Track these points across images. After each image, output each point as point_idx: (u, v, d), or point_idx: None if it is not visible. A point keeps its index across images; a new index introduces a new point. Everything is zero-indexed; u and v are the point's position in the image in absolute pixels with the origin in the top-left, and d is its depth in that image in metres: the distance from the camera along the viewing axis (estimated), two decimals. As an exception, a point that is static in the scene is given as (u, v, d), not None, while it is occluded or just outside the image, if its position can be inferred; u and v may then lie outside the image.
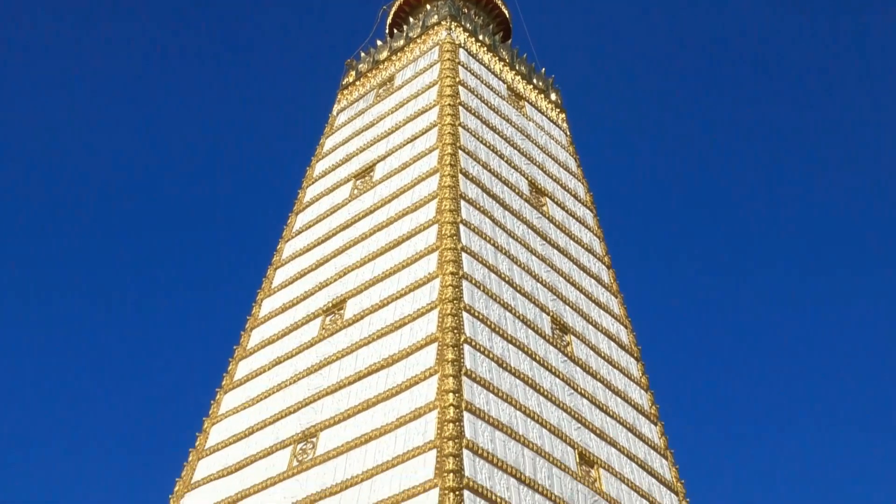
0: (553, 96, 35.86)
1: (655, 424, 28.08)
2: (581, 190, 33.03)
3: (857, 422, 63.65)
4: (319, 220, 30.93)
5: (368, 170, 31.09)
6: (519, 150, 31.55)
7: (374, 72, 35.55)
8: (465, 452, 21.55)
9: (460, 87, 31.60)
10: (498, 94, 33.21)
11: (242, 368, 28.34)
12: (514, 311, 25.99)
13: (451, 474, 20.86)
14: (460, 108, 30.74)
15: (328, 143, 34.14)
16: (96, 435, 62.29)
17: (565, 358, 26.56)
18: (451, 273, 25.16)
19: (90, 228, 67.92)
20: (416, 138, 30.45)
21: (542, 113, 34.73)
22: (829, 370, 64.99)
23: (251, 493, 24.49)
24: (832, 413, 63.97)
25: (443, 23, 34.49)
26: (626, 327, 29.95)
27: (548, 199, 31.00)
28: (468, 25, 34.81)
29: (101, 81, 72.12)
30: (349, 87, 35.98)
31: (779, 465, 62.31)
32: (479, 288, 25.51)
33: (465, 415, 22.31)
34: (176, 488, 26.33)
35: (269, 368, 27.42)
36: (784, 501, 60.64)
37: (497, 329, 25.01)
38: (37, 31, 70.69)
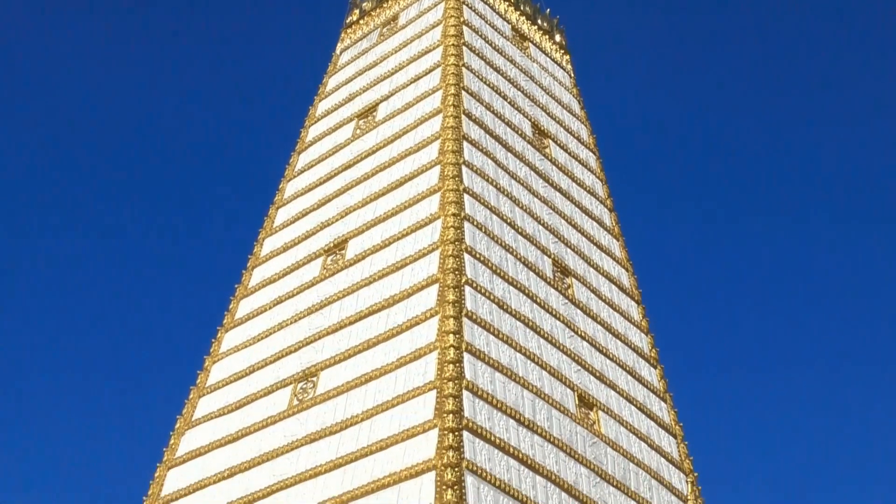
0: (557, 37, 35.65)
1: (655, 367, 28.18)
2: (584, 132, 32.93)
3: (860, 361, 63.60)
4: (321, 159, 30.86)
5: (371, 110, 30.98)
6: (522, 92, 31.41)
7: (378, 10, 35.32)
8: (465, 393, 21.64)
9: (464, 28, 31.39)
10: (502, 35, 33.01)
11: (244, 307, 28.41)
12: (515, 252, 26.00)
13: (451, 415, 20.95)
14: (464, 48, 30.56)
15: (331, 82, 33.99)
16: (98, 373, 62.59)
17: (566, 300, 26.60)
18: (453, 214, 25.13)
19: (89, 170, 67.77)
20: (419, 78, 30.31)
21: (546, 54, 34.53)
22: (833, 312, 64.93)
23: (251, 431, 24.63)
24: (834, 356, 64.05)
25: (448, -39, 34.13)
26: (627, 270, 29.97)
27: (550, 140, 30.90)
28: (473, -36, 34.48)
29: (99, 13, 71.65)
30: (353, 26, 35.75)
31: (778, 408, 62.63)
32: (480, 229, 25.50)
33: (466, 356, 22.37)
34: (177, 425, 26.48)
35: (270, 307, 27.49)
36: (782, 444, 61.03)
37: (498, 271, 25.02)
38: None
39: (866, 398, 62.46)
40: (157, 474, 25.70)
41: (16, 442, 59.90)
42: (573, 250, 28.25)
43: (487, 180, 27.05)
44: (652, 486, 25.04)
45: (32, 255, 64.77)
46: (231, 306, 28.66)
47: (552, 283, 26.56)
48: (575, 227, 29.03)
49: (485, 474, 20.67)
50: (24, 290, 63.63)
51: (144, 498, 25.41)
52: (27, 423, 60.66)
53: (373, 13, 35.39)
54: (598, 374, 25.77)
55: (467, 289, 23.76)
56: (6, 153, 65.84)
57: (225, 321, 28.36)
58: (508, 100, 30.45)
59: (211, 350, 27.82)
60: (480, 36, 31.80)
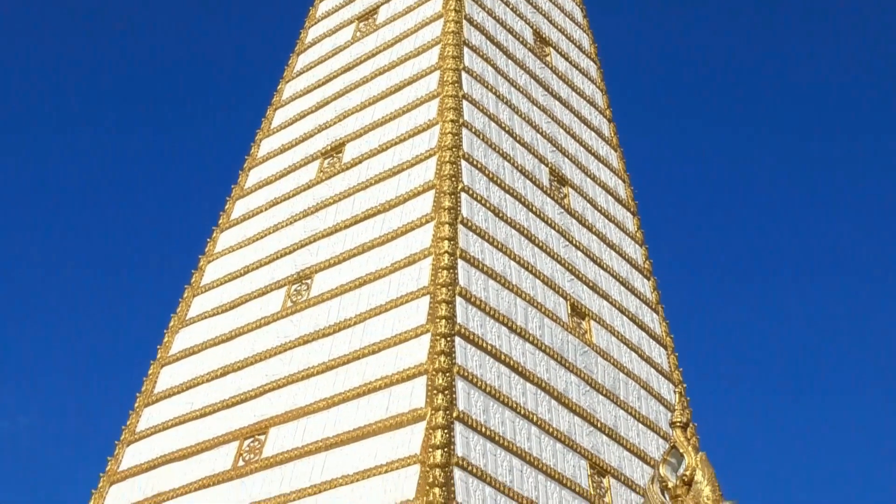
0: (562, -57, 35.15)
1: (648, 279, 28.30)
2: (586, 41, 32.68)
3: (860, 277, 63.45)
4: (321, 61, 30.66)
5: (372, 12, 30.71)
6: (525, -2, 31.11)
7: (381, -89, 34.73)
8: (458, 300, 21.75)
9: (468, -70, 30.94)
10: (506, -61, 32.55)
11: (240, 208, 28.43)
12: (512, 161, 25.96)
13: (443, 320, 21.06)
14: (467, -49, 30.16)
15: (332, -18, 33.59)
16: (93, 270, 62.74)
17: (562, 210, 26.62)
18: (451, 121, 25.04)
19: (81, 75, 67.30)
20: (421, -19, 29.98)
21: (551, -40, 34.09)
22: (831, 228, 64.69)
23: (245, 331, 24.80)
24: (830, 273, 63.98)
25: None
26: (623, 181, 29.95)
27: (552, 49, 30.68)
28: None
29: None
30: (355, -75, 35.20)
31: (768, 322, 62.91)
32: (478, 137, 25.42)
33: (460, 262, 22.45)
34: (171, 323, 26.67)
35: (266, 209, 27.51)
36: (772, 357, 61.45)
37: (495, 179, 25.00)
38: None
39: (867, 310, 62.45)
40: (150, 371, 25.94)
41: (9, 341, 60.31)
42: (571, 160, 28.20)
43: (487, 87, 26.92)
44: (641, 396, 25.32)
45: (25, 158, 64.54)
46: (227, 206, 28.68)
47: (548, 192, 26.55)
48: (573, 136, 28.95)
49: (475, 380, 20.85)
50: (14, 190, 63.50)
51: (137, 394, 25.66)
52: (20, 321, 61.04)
53: (376, -87, 34.81)
54: (591, 285, 25.88)
55: (463, 195, 23.77)
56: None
57: (221, 221, 28.41)
58: (510, 6, 30.17)
59: (206, 250, 27.90)
60: (484, -61, 31.37)
